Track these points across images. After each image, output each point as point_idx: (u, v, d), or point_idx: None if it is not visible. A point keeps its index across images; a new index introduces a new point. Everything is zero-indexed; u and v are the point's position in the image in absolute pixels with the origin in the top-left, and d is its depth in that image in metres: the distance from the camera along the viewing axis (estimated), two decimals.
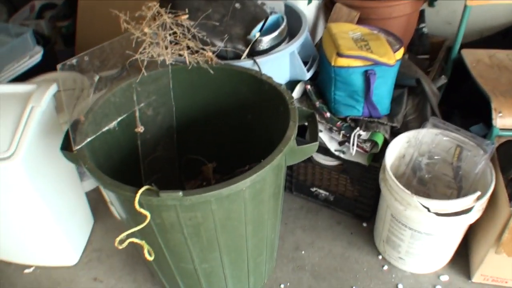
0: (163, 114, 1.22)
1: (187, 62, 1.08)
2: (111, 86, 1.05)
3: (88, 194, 1.51)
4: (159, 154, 1.26)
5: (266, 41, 1.21)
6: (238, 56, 1.24)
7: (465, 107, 1.62)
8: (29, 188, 1.14)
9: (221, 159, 1.36)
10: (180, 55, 1.05)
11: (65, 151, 0.98)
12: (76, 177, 1.40)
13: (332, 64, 1.27)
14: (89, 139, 1.00)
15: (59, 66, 0.95)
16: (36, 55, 1.54)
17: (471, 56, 1.49)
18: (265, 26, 1.26)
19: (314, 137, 1.02)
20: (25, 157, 1.10)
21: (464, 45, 1.54)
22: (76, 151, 0.95)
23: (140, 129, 1.14)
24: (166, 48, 1.03)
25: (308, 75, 1.33)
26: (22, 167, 1.10)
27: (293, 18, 1.42)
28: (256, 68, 1.18)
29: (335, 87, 1.32)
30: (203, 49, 1.09)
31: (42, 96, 1.17)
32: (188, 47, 1.08)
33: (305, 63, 1.33)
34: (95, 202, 1.52)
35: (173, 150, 1.31)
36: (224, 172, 1.35)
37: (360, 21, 1.53)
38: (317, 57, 1.39)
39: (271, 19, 1.27)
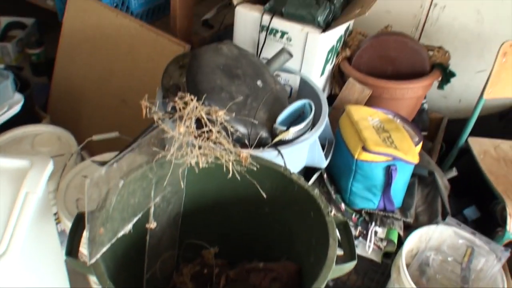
0: (173, 203, 1.10)
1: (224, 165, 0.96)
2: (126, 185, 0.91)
3: None
4: (163, 242, 1.14)
5: (292, 132, 1.12)
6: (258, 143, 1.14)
7: (458, 185, 1.60)
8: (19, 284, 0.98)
9: (225, 244, 1.25)
10: (216, 157, 0.93)
11: (75, 261, 0.84)
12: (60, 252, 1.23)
13: (356, 157, 1.21)
14: (104, 249, 0.86)
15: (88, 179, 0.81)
16: (15, 105, 1.35)
17: (477, 146, 1.48)
18: (290, 111, 1.17)
19: (351, 253, 0.94)
20: (19, 253, 0.93)
21: (460, 121, 1.54)
22: (91, 265, 0.82)
23: (152, 225, 1.01)
24: (200, 148, 0.91)
25: (326, 163, 1.25)
26: (15, 265, 0.94)
27: (306, 92, 1.34)
28: (279, 158, 1.09)
29: (354, 179, 1.25)
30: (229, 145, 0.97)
31: (39, 180, 1.01)
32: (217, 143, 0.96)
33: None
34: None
35: (176, 235, 1.18)
36: (227, 258, 1.24)
37: (371, 99, 1.48)
38: (333, 142, 1.31)
39: (297, 104, 1.18)
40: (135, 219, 0.95)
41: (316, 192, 1.01)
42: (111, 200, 0.84)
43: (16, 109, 1.36)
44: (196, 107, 0.91)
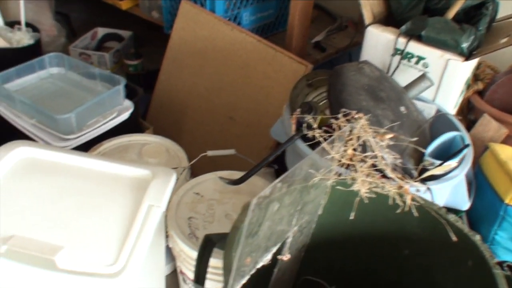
0: (304, 234, 0.97)
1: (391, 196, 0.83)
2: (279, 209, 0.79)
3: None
4: (285, 276, 1.01)
5: (445, 167, 0.97)
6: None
7: None
8: None
9: (345, 284, 1.10)
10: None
11: None
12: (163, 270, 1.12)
13: (506, 202, 1.04)
14: (244, 281, 0.74)
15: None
16: (125, 112, 1.28)
17: None
18: (438, 143, 1.03)
19: None
20: (138, 273, 0.82)
21: None
22: None
23: (286, 257, 0.88)
24: (368, 175, 0.78)
25: (468, 205, 1.09)
26: (130, 286, 0.83)
27: (440, 124, 1.20)
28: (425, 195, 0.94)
29: (500, 227, 1.09)
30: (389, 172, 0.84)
31: (163, 193, 0.91)
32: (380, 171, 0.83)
33: None
34: None
35: (296, 269, 1.05)
36: None
37: (506, 139, 1.32)
38: (473, 182, 1.16)
39: (446, 136, 1.04)
40: (274, 249, 0.83)
41: (477, 238, 0.86)
42: (264, 226, 0.72)
43: (125, 115, 1.29)
44: (362, 127, 0.78)
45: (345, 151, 0.76)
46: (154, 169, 0.96)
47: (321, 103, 1.24)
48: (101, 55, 1.97)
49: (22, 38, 1.62)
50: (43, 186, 0.93)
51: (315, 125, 0.88)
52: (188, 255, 1.00)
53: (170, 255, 1.10)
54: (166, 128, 1.56)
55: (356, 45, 1.80)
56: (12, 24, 1.67)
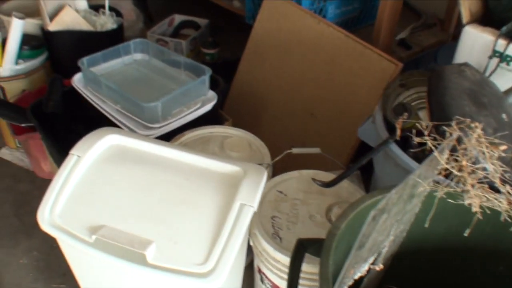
0: (396, 243, 0.91)
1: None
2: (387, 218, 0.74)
3: None
4: (370, 284, 0.96)
5: None
6: None
7: None
8: None
9: None
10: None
11: None
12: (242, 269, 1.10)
13: None
14: None
15: None
16: (209, 103, 1.26)
17: None
18: None
19: None
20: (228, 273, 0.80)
21: None
22: None
23: (379, 267, 0.83)
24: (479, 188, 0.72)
25: None
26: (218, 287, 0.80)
27: None
28: None
29: None
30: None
31: (255, 192, 0.88)
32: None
33: None
34: None
35: (380, 277, 1.00)
36: None
37: None
38: None
39: None
40: (372, 259, 0.78)
41: None
42: (371, 237, 0.67)
43: (209, 106, 1.27)
44: (479, 137, 0.72)
45: (455, 160, 0.70)
46: (245, 166, 0.93)
47: (412, 104, 1.18)
48: (178, 42, 1.96)
49: (106, 22, 1.63)
50: (133, 176, 0.92)
51: (425, 132, 0.82)
52: (270, 256, 0.97)
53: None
54: (243, 121, 1.53)
55: (442, 43, 1.71)
56: (96, 7, 1.68)
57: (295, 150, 1.19)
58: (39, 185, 1.51)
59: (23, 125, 1.40)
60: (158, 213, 0.86)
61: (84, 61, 1.29)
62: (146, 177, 0.92)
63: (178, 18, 2.14)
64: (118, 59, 1.38)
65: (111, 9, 1.71)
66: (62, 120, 1.35)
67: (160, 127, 1.17)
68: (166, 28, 2.10)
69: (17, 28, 1.46)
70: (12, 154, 1.63)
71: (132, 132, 1.11)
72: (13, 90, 1.54)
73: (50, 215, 0.86)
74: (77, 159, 0.93)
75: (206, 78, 1.25)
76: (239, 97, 1.59)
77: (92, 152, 0.95)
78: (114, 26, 1.64)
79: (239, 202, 0.86)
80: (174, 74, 1.34)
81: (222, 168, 0.94)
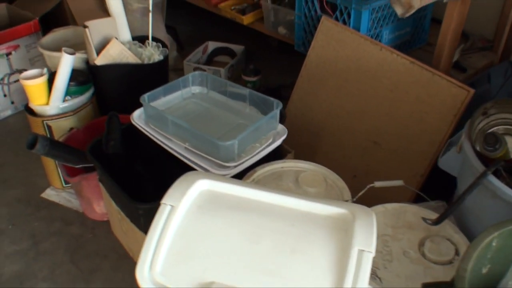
0: None
1: None
2: None
3: None
4: None
5: None
6: None
7: None
8: None
9: None
10: None
11: None
12: None
13: None
14: None
15: None
16: (279, 137, 1.22)
17: None
18: None
19: None
20: None
21: None
22: None
23: None
24: None
25: None
26: None
27: None
28: None
29: None
30: None
31: (371, 236, 0.82)
32: None
33: None
34: None
35: None
36: None
37: None
38: None
39: None
40: None
41: None
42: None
43: (280, 141, 1.22)
44: None
45: None
46: (351, 208, 0.88)
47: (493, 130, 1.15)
48: (216, 70, 1.92)
49: (153, 53, 1.59)
50: (233, 225, 0.87)
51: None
52: None
53: None
54: (299, 151, 1.49)
55: (491, 64, 1.69)
56: (141, 39, 1.64)
57: (377, 184, 1.14)
58: (91, 227, 1.45)
59: (77, 166, 1.35)
60: (269, 265, 0.81)
61: (145, 97, 1.24)
62: (247, 225, 0.87)
63: (211, 45, 2.10)
64: (177, 93, 1.34)
65: (154, 39, 1.66)
66: (121, 159, 1.30)
67: (236, 166, 1.13)
68: (200, 56, 2.06)
69: (67, 64, 1.41)
70: (59, 195, 1.57)
71: (221, 176, 1.06)
72: (60, 129, 1.48)
73: (150, 273, 0.80)
74: (171, 209, 0.87)
75: (277, 112, 1.20)
76: (294, 127, 1.54)
77: (185, 200, 0.89)
78: (161, 57, 1.60)
79: (357, 248, 0.81)
80: (238, 107, 1.30)
81: (327, 211, 0.89)
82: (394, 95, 1.35)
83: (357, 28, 1.43)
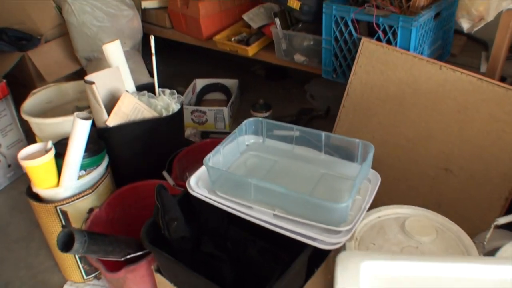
0: None
1: None
2: None
3: None
4: None
5: None
6: None
7: None
8: None
9: None
10: None
11: None
12: None
13: None
14: None
15: None
16: (376, 185, 1.05)
17: None
18: None
19: None
20: None
21: None
22: None
23: None
24: None
25: None
26: None
27: None
28: None
29: None
30: None
31: None
32: None
33: None
34: None
35: None
36: None
37: None
38: None
39: None
40: None
41: None
42: None
43: (376, 188, 1.05)
44: None
45: None
46: None
47: None
48: (218, 111, 1.70)
49: (169, 103, 1.34)
50: None
51: None
52: None
53: None
54: None
55: None
56: (141, 88, 1.39)
57: (501, 220, 1.01)
58: None
59: (123, 259, 1.08)
60: None
61: (207, 160, 1.01)
62: None
63: (199, 82, 1.88)
64: (231, 148, 1.12)
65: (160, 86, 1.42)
66: (188, 242, 1.05)
67: (350, 229, 0.93)
68: (191, 96, 1.83)
69: (82, 132, 1.13)
70: None
71: (378, 253, 0.87)
72: (78, 213, 1.19)
73: None
74: None
75: (371, 155, 1.03)
76: None
77: None
78: (178, 106, 1.36)
79: None
80: (309, 155, 1.11)
81: None
82: (463, 116, 1.23)
83: (406, 48, 1.30)
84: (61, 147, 1.17)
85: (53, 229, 1.20)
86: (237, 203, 1.00)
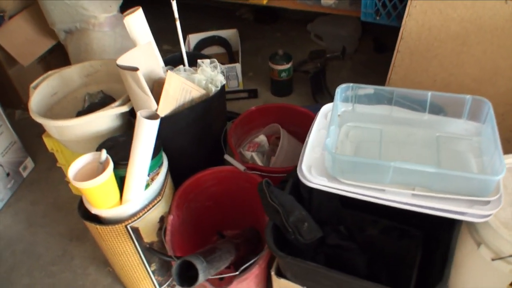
0: None
1: None
2: None
3: None
4: None
5: None
6: None
7: None
8: None
9: None
10: None
11: None
12: None
13: None
14: None
15: None
16: None
17: None
18: None
19: None
20: None
21: None
22: None
23: None
24: None
25: None
26: None
27: None
28: None
29: None
30: None
31: None
32: None
33: None
34: None
35: None
36: None
37: None
38: None
39: None
40: None
41: None
42: None
43: None
44: None
45: None
46: None
47: None
48: (230, 68, 1.50)
49: (213, 76, 1.14)
50: None
51: None
52: None
53: None
54: None
55: None
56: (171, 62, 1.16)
57: None
58: None
59: (238, 272, 0.93)
60: None
61: (330, 148, 0.87)
62: None
63: (193, 38, 1.64)
64: (325, 122, 0.98)
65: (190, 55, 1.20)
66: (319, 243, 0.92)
67: (499, 197, 0.86)
68: None
69: (150, 134, 0.91)
70: None
71: None
72: (150, 226, 1.00)
73: None
74: None
75: (492, 112, 0.95)
76: None
77: None
78: (222, 77, 1.16)
79: None
80: (411, 117, 1.00)
81: None
82: None
83: None
84: (111, 153, 0.94)
85: (122, 250, 1.01)
86: (368, 188, 0.88)
